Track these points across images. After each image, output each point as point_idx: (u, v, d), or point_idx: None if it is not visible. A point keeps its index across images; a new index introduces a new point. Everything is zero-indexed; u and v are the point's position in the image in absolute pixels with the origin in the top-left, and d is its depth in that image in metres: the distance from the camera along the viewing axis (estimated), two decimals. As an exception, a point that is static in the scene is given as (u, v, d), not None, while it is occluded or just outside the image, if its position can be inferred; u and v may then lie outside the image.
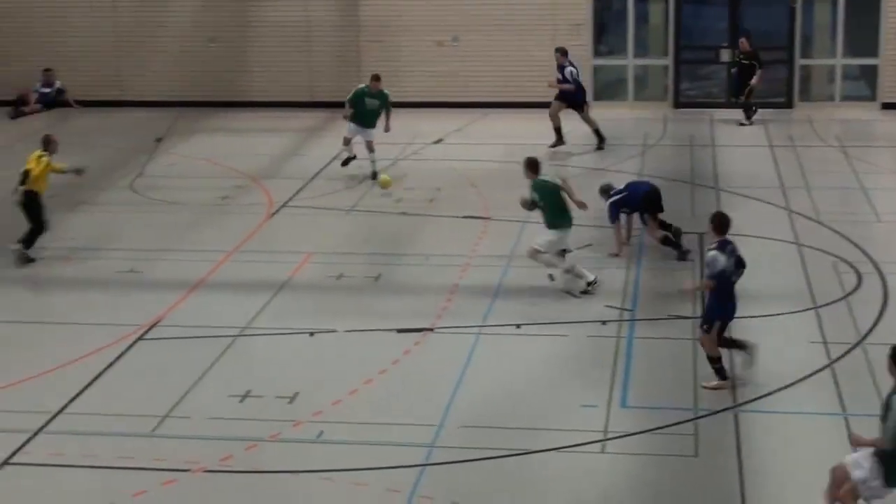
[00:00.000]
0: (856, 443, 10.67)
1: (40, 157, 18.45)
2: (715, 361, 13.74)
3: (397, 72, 29.06)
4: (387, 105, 22.87)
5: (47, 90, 29.72)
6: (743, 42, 26.96)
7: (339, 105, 28.77)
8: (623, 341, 15.20)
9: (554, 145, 24.58)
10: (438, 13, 28.97)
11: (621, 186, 18.51)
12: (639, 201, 18.10)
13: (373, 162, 22.73)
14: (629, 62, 29.22)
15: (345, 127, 23.12)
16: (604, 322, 15.77)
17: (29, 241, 18.38)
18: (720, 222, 13.86)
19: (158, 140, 26.44)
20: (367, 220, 20.57)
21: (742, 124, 26.83)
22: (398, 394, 13.86)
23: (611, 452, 12.47)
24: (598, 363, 14.55)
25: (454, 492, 11.73)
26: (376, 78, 22.95)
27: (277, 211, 21.09)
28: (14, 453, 12.50)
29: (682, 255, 17.95)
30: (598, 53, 29.32)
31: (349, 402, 13.60)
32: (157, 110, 29.16)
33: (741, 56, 26.98)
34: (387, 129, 22.86)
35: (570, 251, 17.02)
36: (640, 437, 12.74)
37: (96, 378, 14.28)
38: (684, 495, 11.76)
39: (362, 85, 23.26)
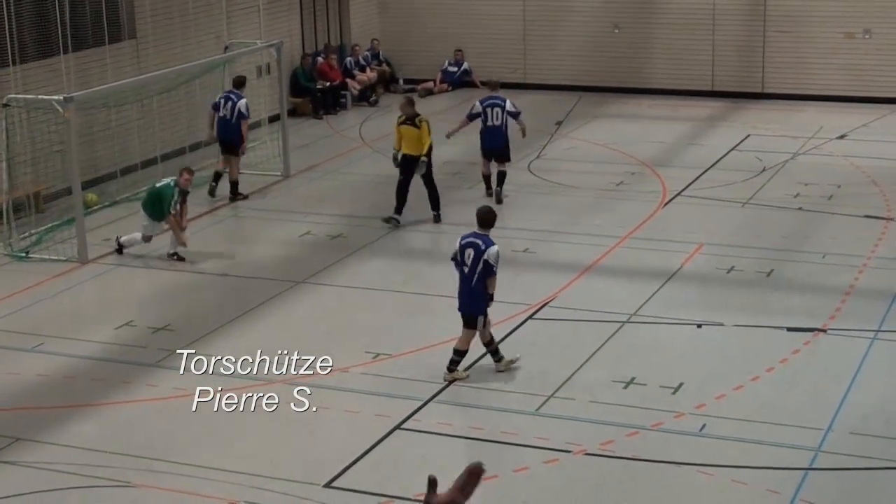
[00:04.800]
0: None
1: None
2: None
3: (803, 64, 28.38)
4: None
5: (454, 70, 30.75)
6: None
7: (740, 96, 28.63)
8: None
9: None
10: (849, 4, 27.97)
11: None
12: None
13: None
14: None
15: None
16: None
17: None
18: None
19: (558, 123, 26.85)
20: (762, 213, 20.20)
21: None
22: (785, 394, 13.58)
23: None
24: None
25: (838, 500, 11.42)
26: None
27: (672, 199, 21.03)
28: (406, 419, 13.06)
29: None
30: None
31: (734, 397, 13.44)
32: (559, 94, 29.63)
33: None
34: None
35: None
36: None
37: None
38: None
39: None
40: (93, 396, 13.84)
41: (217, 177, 21.60)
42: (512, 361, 14.30)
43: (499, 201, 20.82)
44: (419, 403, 13.43)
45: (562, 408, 13.32)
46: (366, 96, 29.35)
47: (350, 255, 18.54)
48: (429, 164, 19.80)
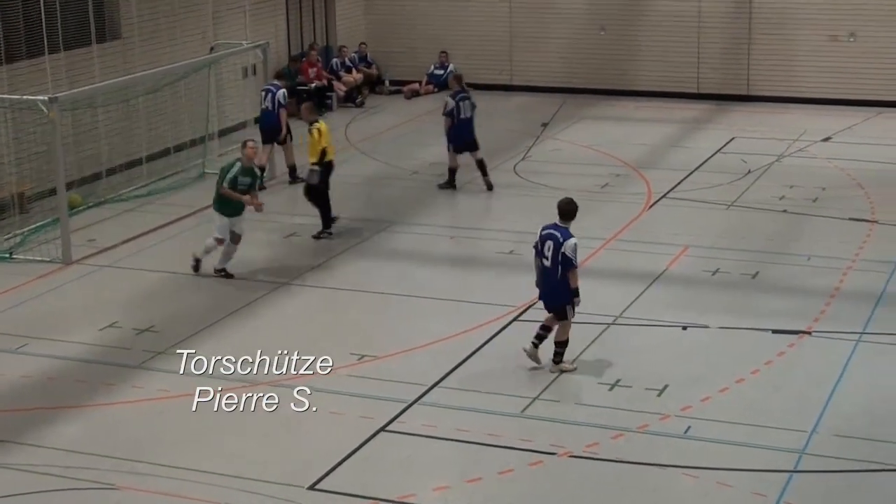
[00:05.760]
0: None
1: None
2: None
3: (788, 66, 28.45)
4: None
5: (440, 72, 30.73)
6: None
7: (726, 98, 28.68)
8: None
9: None
10: (835, 7, 28.02)
11: None
12: None
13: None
14: None
15: None
16: None
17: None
18: None
19: (544, 125, 26.87)
20: (747, 215, 20.22)
21: None
22: (770, 396, 13.60)
23: None
24: None
25: (823, 502, 11.44)
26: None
27: (657, 201, 21.05)
28: (391, 421, 13.04)
29: None
30: None
31: (719, 399, 13.45)
32: (545, 95, 29.65)
33: None
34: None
35: None
36: None
37: (471, 355, 14.70)
38: None
39: None
40: (77, 398, 13.80)
41: (262, 170, 21.76)
42: (568, 368, 14.28)
43: (491, 188, 21.36)
44: (404, 405, 13.41)
45: (547, 410, 13.32)
46: (352, 98, 29.32)
47: (336, 256, 18.52)
48: (323, 175, 19.38)
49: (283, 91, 22.38)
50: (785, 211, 20.33)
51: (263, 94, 22.45)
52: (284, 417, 13.19)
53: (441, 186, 21.76)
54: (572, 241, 13.92)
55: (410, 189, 22.06)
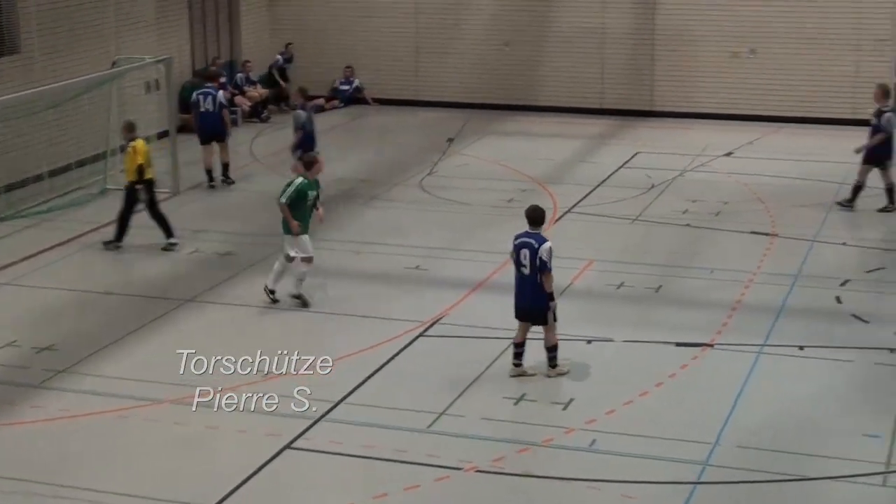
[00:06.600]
0: None
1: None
2: None
3: (690, 82, 28.80)
4: None
5: (345, 87, 30.69)
6: None
7: (630, 113, 28.96)
8: (912, 371, 14.65)
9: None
10: (736, 24, 28.45)
11: None
12: None
13: None
14: (935, 80, 28.08)
15: None
16: (892, 350, 15.20)
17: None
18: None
19: (450, 140, 26.92)
20: (651, 230, 20.41)
21: None
22: (674, 408, 13.71)
23: (894, 486, 12.00)
24: (883, 391, 14.05)
25: (725, 513, 11.56)
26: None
27: (562, 216, 21.17)
28: (296, 438, 12.94)
29: None
30: (901, 71, 28.25)
31: (624, 412, 13.53)
32: (451, 111, 29.72)
33: None
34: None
35: None
36: (925, 472, 12.24)
37: (377, 371, 14.65)
38: (970, 537, 11.24)
39: None
40: (-26, 418, 13.53)
41: (211, 173, 23.15)
42: (564, 371, 14.49)
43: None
44: (310, 422, 13.32)
45: (453, 425, 13.30)
46: (257, 113, 29.13)
47: (239, 272, 18.36)
48: (148, 192, 19.31)
49: (221, 92, 23.52)
50: (688, 225, 20.55)
51: (201, 97, 23.26)
52: (189, 436, 13.03)
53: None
54: (547, 244, 14.22)
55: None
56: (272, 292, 16.91)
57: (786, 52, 28.23)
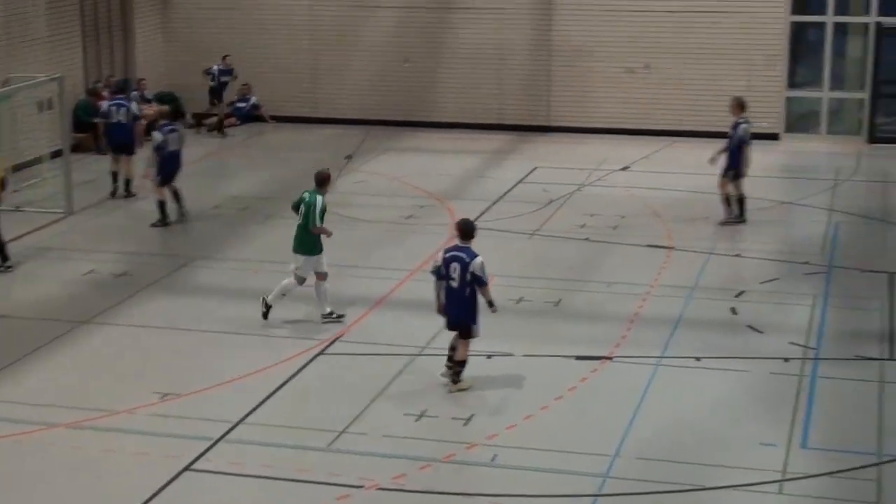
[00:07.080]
0: None
1: None
2: None
3: (587, 97, 29.06)
4: None
5: (243, 105, 30.50)
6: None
7: (527, 129, 29.14)
8: (806, 380, 14.85)
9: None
10: (631, 40, 28.77)
11: None
12: None
13: None
14: (824, 94, 28.60)
15: None
16: (787, 359, 15.43)
17: None
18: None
19: (348, 157, 26.86)
20: (549, 244, 20.53)
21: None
22: (574, 421, 13.79)
23: (789, 494, 12.17)
24: (779, 401, 14.24)
25: (626, 524, 11.63)
26: None
27: (461, 232, 21.17)
28: (195, 460, 12.79)
29: None
30: (792, 84, 28.73)
31: (524, 427, 13.57)
32: (349, 128, 29.67)
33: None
34: None
35: None
36: (820, 479, 12.42)
37: (276, 390, 14.54)
38: (864, 543, 11.43)
39: None
40: None
41: (116, 177, 23.38)
42: (465, 387, 14.49)
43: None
44: (209, 443, 13.17)
45: (354, 443, 13.24)
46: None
47: (136, 293, 18.13)
48: None
49: (135, 104, 24.10)
50: (587, 239, 20.70)
51: (114, 108, 23.39)
52: (86, 460, 12.82)
53: (154, 224, 21.53)
54: (478, 259, 14.22)
55: (212, 223, 21.79)
56: (268, 307, 16.79)
57: (680, 67, 28.60)
